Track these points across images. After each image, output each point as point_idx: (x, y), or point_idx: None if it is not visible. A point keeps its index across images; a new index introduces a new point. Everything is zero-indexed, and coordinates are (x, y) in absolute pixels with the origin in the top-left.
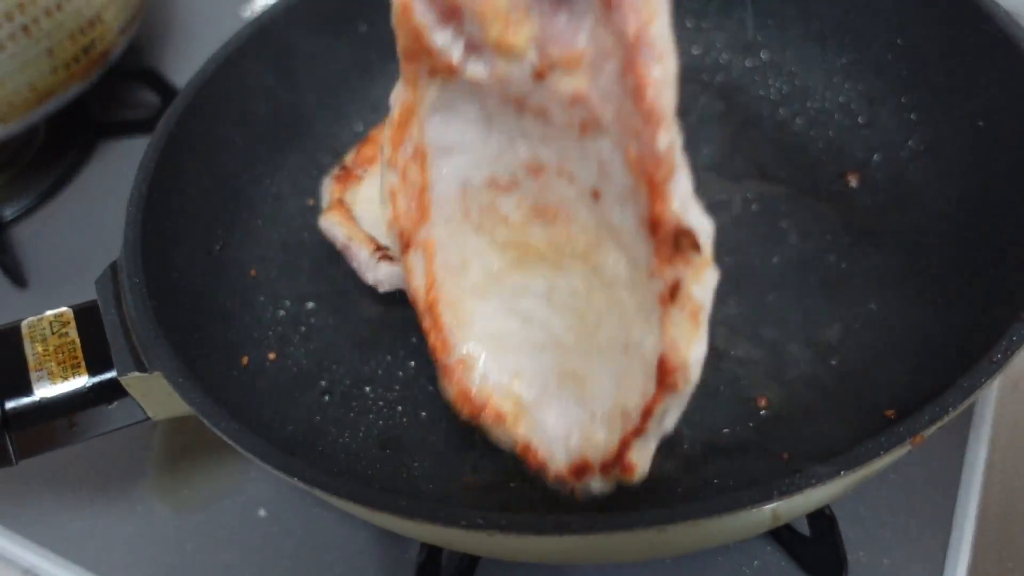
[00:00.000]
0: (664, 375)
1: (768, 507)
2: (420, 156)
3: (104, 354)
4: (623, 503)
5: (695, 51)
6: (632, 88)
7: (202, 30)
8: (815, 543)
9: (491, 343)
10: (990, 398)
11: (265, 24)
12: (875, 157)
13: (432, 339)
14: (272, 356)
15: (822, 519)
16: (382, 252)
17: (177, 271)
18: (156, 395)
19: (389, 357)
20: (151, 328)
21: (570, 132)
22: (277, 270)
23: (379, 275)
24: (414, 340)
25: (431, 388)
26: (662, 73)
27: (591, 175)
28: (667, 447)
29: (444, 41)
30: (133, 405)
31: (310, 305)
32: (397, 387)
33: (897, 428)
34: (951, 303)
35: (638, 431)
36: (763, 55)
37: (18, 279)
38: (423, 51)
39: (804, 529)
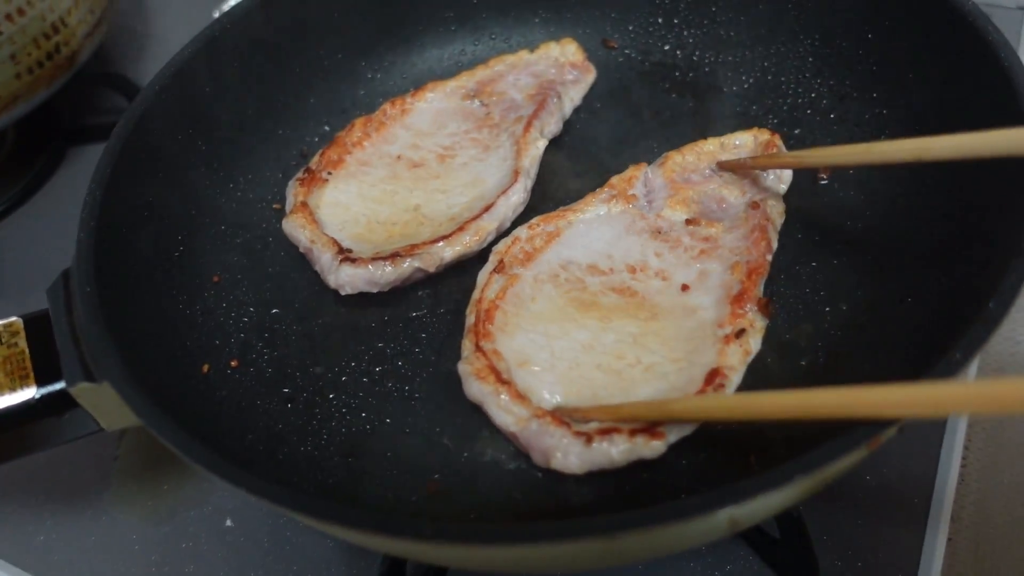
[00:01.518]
0: (714, 376)
1: (721, 513)
2: (553, 235)
3: (54, 364)
4: (582, 509)
5: (666, 48)
6: (755, 240)
7: (172, 33)
8: (785, 546)
9: (520, 358)
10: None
11: (228, 26)
12: None
13: (475, 325)
14: (234, 363)
15: (791, 521)
16: (344, 255)
17: (134, 278)
18: (107, 405)
19: (354, 363)
20: (100, 337)
21: (689, 253)
22: (241, 275)
23: (341, 278)
24: (379, 345)
25: (395, 394)
26: (775, 234)
27: (688, 277)
28: None
29: (639, 191)
30: (85, 416)
31: (275, 311)
32: (361, 393)
33: (853, 432)
34: (919, 301)
35: None
36: (734, 52)
37: None
38: (622, 188)
39: (776, 532)
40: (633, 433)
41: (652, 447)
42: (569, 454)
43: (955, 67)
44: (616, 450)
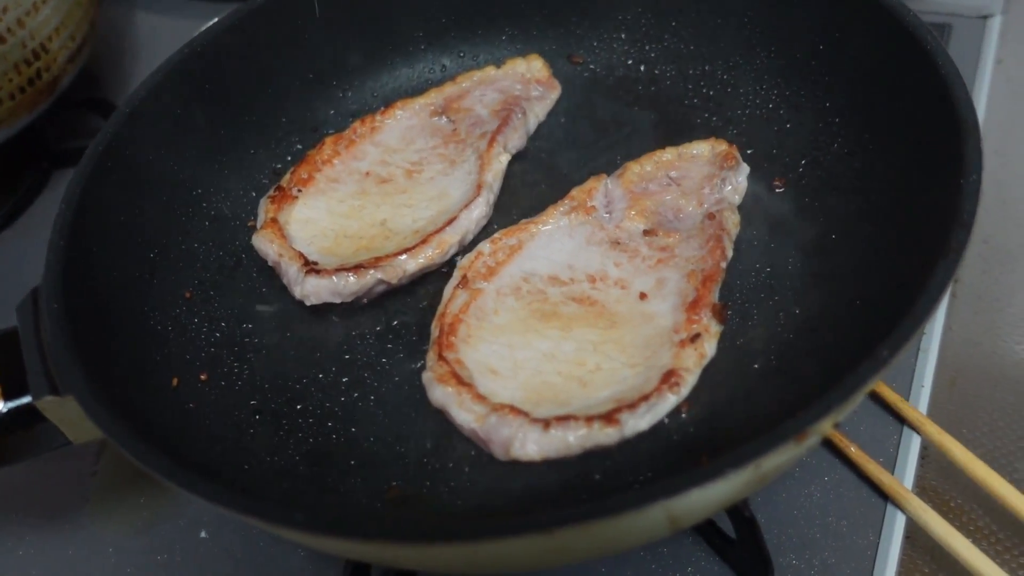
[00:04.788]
0: (670, 377)
1: (656, 508)
2: (516, 248)
3: (21, 379)
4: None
5: (629, 62)
6: (711, 249)
7: (159, 57)
8: (741, 546)
9: (483, 368)
10: (924, 395)
11: (199, 49)
12: (802, 162)
13: (439, 338)
14: (204, 377)
15: (743, 521)
16: (310, 267)
17: (104, 295)
18: (73, 419)
19: (321, 375)
20: (65, 352)
21: (647, 262)
22: (213, 291)
23: (306, 289)
24: (347, 357)
25: (361, 404)
26: (730, 243)
27: (646, 285)
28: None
29: (599, 202)
30: (53, 430)
31: (245, 325)
32: (328, 404)
33: (782, 427)
34: (868, 303)
35: (632, 406)
36: (694, 65)
37: None
38: (582, 199)
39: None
40: (590, 420)
41: (608, 434)
42: (527, 441)
43: (899, 76)
44: (573, 436)
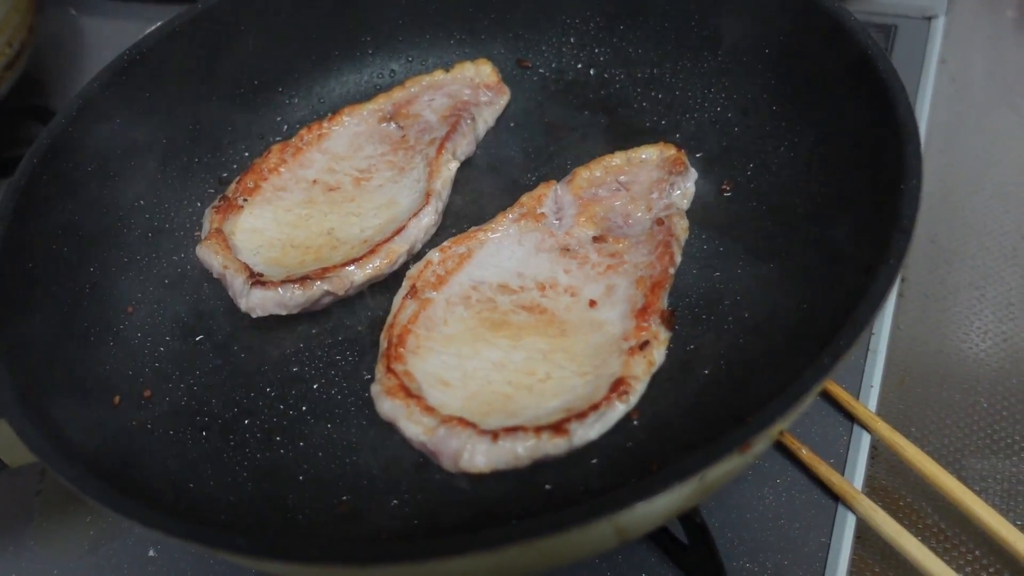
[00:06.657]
0: (619, 385)
1: (603, 523)
2: (465, 256)
3: None
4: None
5: (579, 66)
6: (659, 255)
7: (99, 61)
8: (694, 551)
9: (432, 379)
10: (873, 394)
11: (138, 56)
12: (750, 165)
13: (388, 350)
14: (147, 394)
15: (695, 527)
16: (255, 279)
17: (40, 313)
18: (8, 442)
19: (269, 388)
20: None
21: (597, 269)
22: (157, 305)
23: (252, 301)
24: (295, 369)
25: (310, 418)
26: (679, 249)
27: (596, 292)
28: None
29: (548, 209)
30: None
31: (191, 339)
32: (276, 418)
33: (727, 438)
34: (814, 307)
35: (581, 415)
36: (643, 69)
37: None
38: (531, 206)
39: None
40: (539, 431)
41: (556, 444)
42: (476, 453)
43: (841, 80)
44: (522, 447)
